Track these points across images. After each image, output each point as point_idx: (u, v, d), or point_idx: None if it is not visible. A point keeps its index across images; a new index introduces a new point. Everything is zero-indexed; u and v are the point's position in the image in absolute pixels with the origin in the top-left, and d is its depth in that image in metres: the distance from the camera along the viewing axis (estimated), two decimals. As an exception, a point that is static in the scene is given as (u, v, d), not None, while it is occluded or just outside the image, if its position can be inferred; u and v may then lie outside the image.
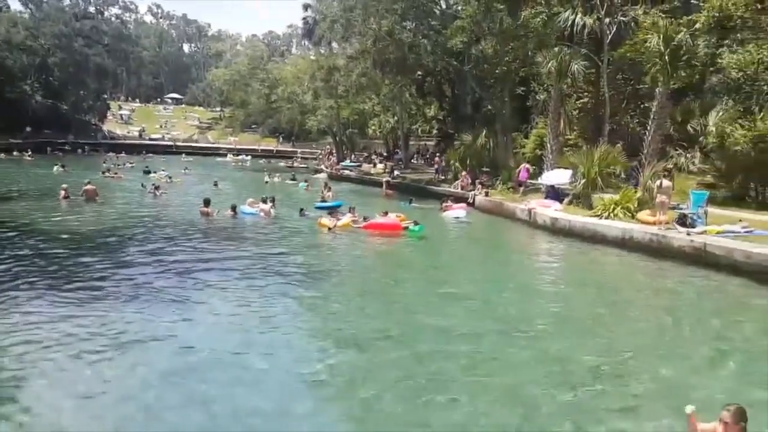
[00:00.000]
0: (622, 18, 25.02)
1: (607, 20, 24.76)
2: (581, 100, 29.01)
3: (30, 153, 47.76)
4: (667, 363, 7.63)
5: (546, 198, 21.33)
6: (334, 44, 47.57)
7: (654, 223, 15.46)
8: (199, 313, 9.30)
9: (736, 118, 19.82)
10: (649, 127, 21.47)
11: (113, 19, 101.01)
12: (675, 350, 8.27)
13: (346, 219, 18.35)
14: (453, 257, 15.79)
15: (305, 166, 55.04)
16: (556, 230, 18.16)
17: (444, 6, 34.89)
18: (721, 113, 21.65)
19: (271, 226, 18.79)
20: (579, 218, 17.78)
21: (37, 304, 9.32)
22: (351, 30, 36.59)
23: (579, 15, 24.63)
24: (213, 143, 76.94)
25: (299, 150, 69.88)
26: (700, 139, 22.42)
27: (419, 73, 37.69)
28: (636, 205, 17.09)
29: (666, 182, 15.39)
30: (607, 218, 17.06)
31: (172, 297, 10.01)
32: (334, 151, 54.38)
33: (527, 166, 25.47)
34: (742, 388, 6.81)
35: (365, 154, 52.07)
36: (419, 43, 31.73)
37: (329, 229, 17.69)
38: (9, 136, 50.60)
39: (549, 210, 19.50)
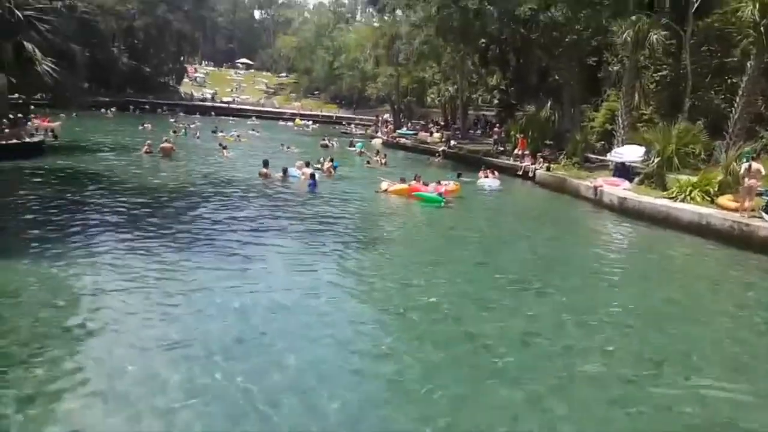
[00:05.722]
0: (711, -16, 22.75)
1: (694, -13, 22.56)
2: (659, 73, 26.78)
3: (112, 110, 50.94)
4: (739, 368, 6.90)
5: (614, 176, 19.90)
6: (399, 11, 46.26)
7: (736, 210, 13.99)
8: (258, 271, 9.37)
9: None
10: (736, 104, 19.53)
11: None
12: (748, 356, 7.32)
13: (404, 185, 18.23)
14: (505, 232, 14.81)
15: (362, 132, 54.43)
16: (623, 211, 16.88)
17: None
18: (821, 91, 19.40)
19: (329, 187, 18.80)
20: (650, 199, 16.43)
21: (105, 251, 9.75)
22: (416, -4, 35.29)
23: (662, -20, 22.59)
24: (278, 108, 77.45)
25: (357, 117, 69.30)
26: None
27: (483, 41, 35.93)
28: (716, 189, 15.56)
29: (756, 165, 13.83)
30: (682, 201, 15.65)
31: (233, 254, 10.17)
32: (390, 119, 53.44)
33: None
34: None
35: (422, 123, 50.93)
36: (485, 10, 30.14)
37: (384, 192, 18.04)
38: (97, 94, 52.81)
39: (617, 189, 18.15)
